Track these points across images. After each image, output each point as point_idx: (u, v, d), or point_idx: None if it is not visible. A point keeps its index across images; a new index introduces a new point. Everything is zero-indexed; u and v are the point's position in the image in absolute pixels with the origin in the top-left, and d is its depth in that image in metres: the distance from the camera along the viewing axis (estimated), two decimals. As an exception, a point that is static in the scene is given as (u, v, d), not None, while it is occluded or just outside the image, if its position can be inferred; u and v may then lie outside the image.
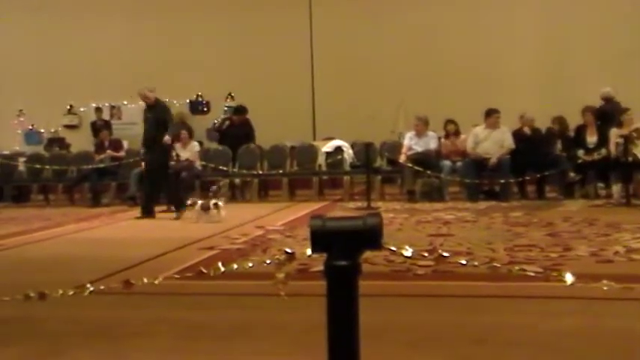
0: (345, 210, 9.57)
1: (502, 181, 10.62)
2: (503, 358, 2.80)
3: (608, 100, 11.66)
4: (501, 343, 3.02)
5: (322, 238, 1.49)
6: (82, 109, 17.15)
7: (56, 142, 16.11)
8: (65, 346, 3.13)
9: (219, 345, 3.11)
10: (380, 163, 11.95)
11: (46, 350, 3.08)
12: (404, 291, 4.14)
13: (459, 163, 10.98)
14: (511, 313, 3.57)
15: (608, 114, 11.15)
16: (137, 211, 9.43)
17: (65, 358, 2.98)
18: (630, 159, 9.94)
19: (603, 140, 10.63)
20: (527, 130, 11.13)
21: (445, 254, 1.95)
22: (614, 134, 10.46)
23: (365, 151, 10.68)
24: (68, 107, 17.21)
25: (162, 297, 3.91)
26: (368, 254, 4.94)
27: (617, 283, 2.12)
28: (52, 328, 3.46)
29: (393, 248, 1.81)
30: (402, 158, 11.10)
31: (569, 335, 3.10)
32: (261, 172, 12.25)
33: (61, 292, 2.09)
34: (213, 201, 8.50)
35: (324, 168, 12.39)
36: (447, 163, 10.98)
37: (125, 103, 16.95)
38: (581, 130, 11.03)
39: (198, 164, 12.05)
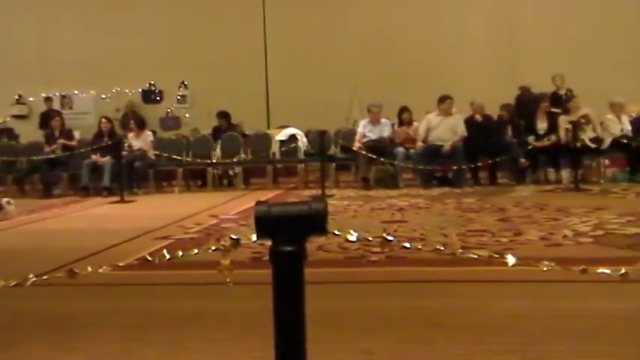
0: (299, 198, 9.57)
1: (455, 167, 10.74)
2: (455, 341, 2.84)
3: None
4: (454, 326, 3.07)
5: (267, 223, 1.49)
6: (31, 99, 16.84)
7: (5, 132, 15.78)
8: (14, 339, 3.07)
9: (172, 334, 3.09)
10: (334, 150, 11.99)
11: (-7, 343, 3.02)
12: (358, 277, 4.17)
13: (412, 150, 11.07)
14: (462, 297, 3.63)
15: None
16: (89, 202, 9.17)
17: (15, 351, 2.92)
18: (579, 144, 10.16)
19: (553, 126, 10.84)
20: (478, 117, 11.27)
21: (389, 238, 1.96)
22: (563, 120, 10.68)
23: (319, 139, 10.69)
24: (17, 97, 16.87)
25: (112, 288, 3.87)
26: (322, 241, 4.94)
27: (563, 265, 2.16)
28: None
29: (338, 232, 1.81)
30: (357, 145, 11.16)
31: (518, 317, 3.16)
32: (215, 161, 12.17)
33: (2, 283, 2.05)
34: (5, 199, 8.64)
35: (278, 156, 12.39)
36: (400, 150, 11.06)
37: (76, 92, 16.68)
38: (531, 116, 11.22)
39: (151, 154, 11.94)
